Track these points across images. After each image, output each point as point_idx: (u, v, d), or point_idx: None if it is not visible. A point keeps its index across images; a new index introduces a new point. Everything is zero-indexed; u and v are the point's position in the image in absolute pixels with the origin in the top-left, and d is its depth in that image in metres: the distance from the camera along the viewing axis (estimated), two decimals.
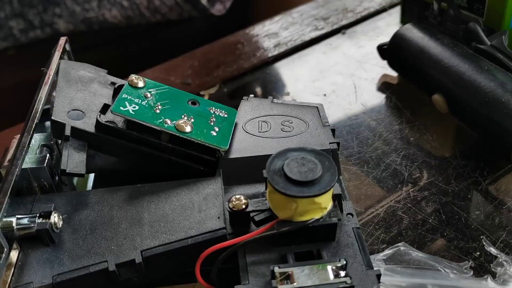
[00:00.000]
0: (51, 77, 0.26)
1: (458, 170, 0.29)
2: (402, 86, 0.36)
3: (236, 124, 0.27)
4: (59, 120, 0.24)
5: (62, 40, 0.29)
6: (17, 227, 0.21)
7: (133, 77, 0.26)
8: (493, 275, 0.23)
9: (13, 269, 0.20)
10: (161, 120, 0.25)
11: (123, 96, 0.25)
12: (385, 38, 0.37)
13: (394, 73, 0.37)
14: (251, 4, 0.69)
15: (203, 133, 0.25)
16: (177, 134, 0.24)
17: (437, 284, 0.22)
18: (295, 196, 0.20)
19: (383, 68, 0.38)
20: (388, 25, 0.43)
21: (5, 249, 0.20)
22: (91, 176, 0.29)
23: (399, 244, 0.24)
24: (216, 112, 0.26)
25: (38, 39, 0.57)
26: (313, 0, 0.48)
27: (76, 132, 0.24)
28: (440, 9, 0.37)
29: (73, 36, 0.35)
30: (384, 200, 0.28)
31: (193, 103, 0.26)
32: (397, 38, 0.35)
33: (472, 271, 0.23)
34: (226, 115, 0.27)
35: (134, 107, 0.25)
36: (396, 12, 0.44)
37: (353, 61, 0.40)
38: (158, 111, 0.25)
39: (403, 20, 0.41)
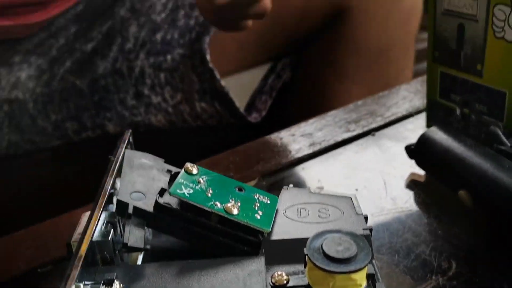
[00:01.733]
0: (117, 164, 0.30)
1: (486, 262, 0.31)
2: (429, 183, 0.39)
3: (277, 210, 0.29)
4: (123, 200, 0.27)
5: (127, 134, 0.33)
6: None
7: (188, 165, 0.30)
8: None
9: None
10: (212, 203, 0.28)
11: (180, 180, 0.28)
12: (412, 139, 0.40)
13: (421, 172, 0.40)
14: (286, 111, 0.75)
15: (249, 216, 0.28)
16: (226, 216, 0.27)
17: None
18: (333, 272, 0.22)
19: (411, 167, 0.41)
20: (415, 129, 0.47)
21: None
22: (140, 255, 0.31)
23: None
24: (259, 198, 0.30)
25: (88, 138, 0.62)
26: (345, 106, 0.52)
27: (137, 211, 0.27)
28: (462, 115, 0.40)
29: (120, 136, 0.40)
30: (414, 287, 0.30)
31: (240, 189, 0.30)
32: (423, 139, 0.39)
33: None
34: (268, 201, 0.30)
35: (189, 191, 0.28)
36: (421, 118, 0.48)
37: (383, 160, 0.43)
38: (209, 195, 0.28)
39: (429, 125, 0.45)
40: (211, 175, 0.30)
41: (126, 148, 0.32)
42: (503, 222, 0.32)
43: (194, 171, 0.30)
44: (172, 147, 0.67)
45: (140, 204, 0.28)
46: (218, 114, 0.64)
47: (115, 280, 0.24)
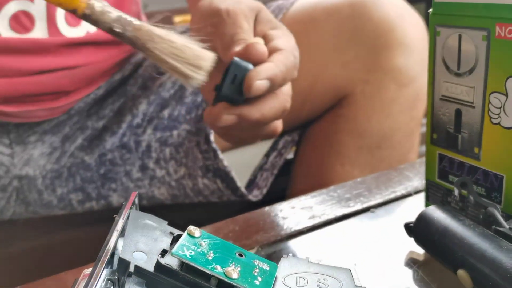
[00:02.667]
0: (121, 223, 0.30)
1: None
2: (428, 261, 0.39)
3: (276, 278, 0.29)
4: (125, 258, 0.28)
5: (133, 195, 0.34)
6: None
7: (191, 227, 0.30)
8: None
9: None
10: (212, 265, 0.28)
11: (182, 242, 0.29)
12: (411, 218, 0.41)
13: (420, 250, 0.40)
14: (287, 188, 0.76)
15: (248, 281, 0.28)
16: (225, 280, 0.27)
17: None
18: None
19: (410, 245, 0.41)
20: (413, 208, 0.47)
21: None
22: None
23: None
24: (259, 264, 0.30)
25: (92, 209, 0.62)
26: (344, 183, 0.53)
27: (138, 270, 0.27)
28: (460, 196, 0.41)
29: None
30: None
31: (240, 255, 0.30)
32: (422, 217, 0.39)
33: None
34: (268, 268, 0.30)
35: (191, 253, 0.28)
36: (420, 198, 0.48)
37: (382, 237, 0.43)
38: (210, 258, 0.28)
39: (427, 205, 0.45)
40: (213, 239, 0.30)
41: (131, 209, 0.33)
42: None
43: (197, 233, 0.30)
44: (173, 217, 0.67)
45: (142, 263, 0.28)
46: (219, 191, 0.65)
47: None
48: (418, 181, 0.52)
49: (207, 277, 0.28)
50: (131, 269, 0.27)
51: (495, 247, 0.33)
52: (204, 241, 0.30)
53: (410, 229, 0.41)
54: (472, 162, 0.40)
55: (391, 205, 0.48)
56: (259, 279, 0.28)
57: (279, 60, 0.45)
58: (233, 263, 0.29)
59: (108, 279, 0.27)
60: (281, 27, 0.50)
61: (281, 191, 0.76)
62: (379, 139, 0.67)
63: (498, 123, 0.37)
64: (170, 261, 0.28)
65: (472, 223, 0.36)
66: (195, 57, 0.41)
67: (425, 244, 0.40)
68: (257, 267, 0.29)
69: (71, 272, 0.39)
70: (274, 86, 0.46)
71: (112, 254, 0.29)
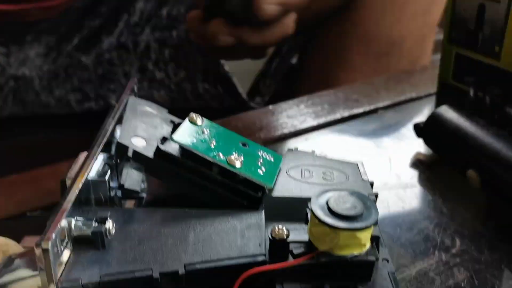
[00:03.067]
0: (119, 110, 0.29)
1: (492, 242, 0.30)
2: (436, 163, 0.38)
3: (280, 169, 0.28)
4: (123, 143, 0.26)
5: (132, 81, 0.32)
6: (74, 228, 0.22)
7: (193, 114, 0.29)
8: None
9: (63, 265, 0.21)
10: (215, 153, 0.27)
11: (183, 128, 0.27)
12: (420, 119, 0.39)
13: (428, 151, 0.39)
14: (292, 93, 0.74)
15: (251, 170, 0.27)
16: (228, 168, 0.26)
17: None
18: (338, 228, 0.21)
19: (418, 146, 0.40)
20: (423, 110, 0.46)
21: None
22: None
23: None
24: (263, 155, 0.28)
25: (91, 109, 0.61)
26: (352, 84, 0.51)
27: (137, 156, 0.26)
28: (476, 97, 0.39)
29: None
30: (416, 261, 0.29)
31: (244, 144, 0.29)
32: (434, 117, 0.37)
33: None
34: (272, 159, 0.28)
35: (192, 139, 0.27)
36: (431, 100, 0.46)
37: (389, 137, 0.42)
38: (212, 146, 0.27)
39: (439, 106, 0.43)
40: (215, 127, 0.29)
41: (130, 95, 0.31)
42: None
43: (199, 121, 0.28)
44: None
45: (141, 149, 0.27)
46: (220, 96, 0.63)
47: (108, 219, 0.23)
48: (430, 85, 0.50)
49: (209, 165, 0.26)
50: (130, 154, 0.26)
51: (509, 147, 0.32)
52: (206, 129, 0.28)
53: (420, 129, 0.39)
54: (491, 62, 0.38)
55: (400, 107, 0.46)
56: (263, 169, 0.27)
57: None
58: (236, 152, 0.27)
59: (106, 164, 0.26)
60: None
61: (284, 97, 0.74)
62: (388, 45, 0.64)
63: None
64: (171, 148, 0.27)
65: (486, 124, 0.35)
66: None
67: (434, 144, 0.38)
68: (261, 157, 0.28)
69: (68, 163, 0.38)
70: (284, 12, 0.42)
71: (110, 143, 0.28)
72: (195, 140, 0.27)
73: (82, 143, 0.28)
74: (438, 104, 0.44)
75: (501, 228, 0.31)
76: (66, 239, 0.21)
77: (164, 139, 0.28)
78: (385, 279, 0.23)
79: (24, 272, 0.23)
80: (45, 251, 0.19)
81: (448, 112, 0.37)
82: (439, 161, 0.38)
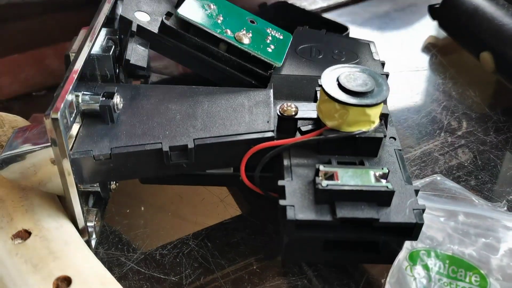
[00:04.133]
0: None
1: (498, 124, 0.30)
2: (449, 46, 0.37)
3: (289, 48, 0.27)
4: (127, 17, 0.25)
5: None
6: (82, 102, 0.22)
7: None
8: None
9: (74, 138, 0.22)
10: (222, 29, 0.26)
11: (188, 2, 0.26)
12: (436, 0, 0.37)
13: (442, 34, 0.38)
14: None
15: (260, 48, 0.26)
16: (236, 44, 0.25)
17: (470, 213, 0.23)
18: (348, 103, 0.21)
19: (432, 29, 0.38)
20: None
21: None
22: None
23: (436, 175, 0.25)
24: (272, 32, 0.27)
25: None
26: None
27: (141, 30, 0.25)
28: None
29: None
30: (422, 142, 0.29)
31: (252, 21, 0.27)
32: None
33: (506, 208, 0.24)
34: (281, 37, 0.27)
35: (198, 14, 0.26)
36: None
37: (402, 19, 0.40)
38: (219, 21, 0.26)
39: None
40: (222, 2, 0.27)
41: None
42: None
43: None
44: None
45: (145, 24, 0.26)
46: None
47: (116, 94, 0.22)
48: None
49: (216, 41, 0.26)
50: (134, 28, 0.25)
51: None
52: (213, 4, 0.27)
53: (435, 11, 0.38)
54: None
55: None
56: (272, 46, 0.26)
57: None
58: (244, 28, 0.26)
59: (109, 38, 0.25)
60: None
61: None
62: None
63: None
64: (176, 23, 0.26)
65: (506, 3, 0.33)
66: None
67: (449, 27, 0.37)
68: (270, 35, 0.27)
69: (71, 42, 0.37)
70: None
71: (113, 19, 0.26)
72: (201, 15, 0.26)
73: (84, 24, 0.27)
74: None
75: (509, 111, 0.31)
76: (75, 112, 0.21)
77: (169, 14, 0.27)
78: (391, 155, 0.23)
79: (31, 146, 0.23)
80: (55, 120, 0.18)
81: None
82: (453, 45, 0.37)
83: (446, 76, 0.34)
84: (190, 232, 0.24)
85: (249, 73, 0.26)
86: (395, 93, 0.32)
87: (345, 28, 0.33)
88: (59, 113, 0.19)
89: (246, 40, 0.26)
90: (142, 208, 0.26)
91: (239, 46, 0.25)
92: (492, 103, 0.32)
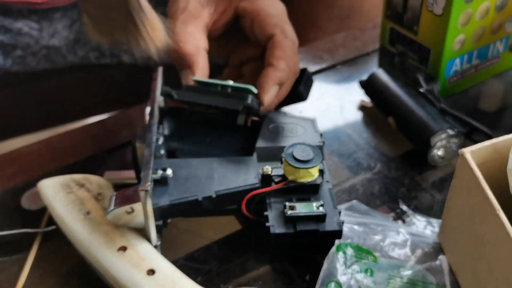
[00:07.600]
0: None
1: (398, 165, 0.48)
2: (372, 108, 0.55)
3: (263, 127, 0.45)
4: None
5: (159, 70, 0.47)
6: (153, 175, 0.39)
7: None
8: (403, 221, 0.42)
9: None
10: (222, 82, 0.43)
11: None
12: (366, 75, 0.55)
13: (368, 99, 0.56)
14: None
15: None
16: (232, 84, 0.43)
17: (371, 222, 0.40)
18: (298, 167, 0.39)
19: (363, 96, 0.56)
20: (370, 64, 0.61)
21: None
22: None
23: (353, 200, 0.43)
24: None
25: (107, 64, 0.73)
26: (316, 41, 0.66)
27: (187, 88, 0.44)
28: (401, 61, 0.55)
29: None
30: (350, 178, 0.47)
31: None
32: (372, 77, 0.54)
33: (391, 218, 0.42)
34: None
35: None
36: (376, 55, 0.62)
37: (343, 88, 0.58)
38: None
39: (380, 63, 0.59)
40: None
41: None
42: (417, 140, 0.49)
43: None
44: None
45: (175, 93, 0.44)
46: None
47: (168, 169, 0.40)
48: (377, 41, 0.65)
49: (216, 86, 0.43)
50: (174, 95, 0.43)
51: (415, 102, 0.49)
52: None
53: (363, 84, 0.56)
54: (412, 36, 0.53)
55: (354, 61, 0.62)
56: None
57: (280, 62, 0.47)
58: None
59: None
60: None
61: None
62: (349, 9, 0.74)
63: (431, 11, 0.50)
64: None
65: (403, 85, 0.51)
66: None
67: (371, 96, 0.55)
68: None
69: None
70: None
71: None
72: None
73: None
74: (379, 60, 0.60)
75: (407, 156, 0.49)
76: None
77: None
78: (325, 192, 0.41)
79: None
80: (146, 191, 0.36)
81: (381, 74, 0.53)
82: (374, 108, 0.55)
83: (369, 131, 0.52)
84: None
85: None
86: (336, 144, 0.50)
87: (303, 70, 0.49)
88: (149, 187, 0.36)
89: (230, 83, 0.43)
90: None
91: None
92: (397, 150, 0.50)
